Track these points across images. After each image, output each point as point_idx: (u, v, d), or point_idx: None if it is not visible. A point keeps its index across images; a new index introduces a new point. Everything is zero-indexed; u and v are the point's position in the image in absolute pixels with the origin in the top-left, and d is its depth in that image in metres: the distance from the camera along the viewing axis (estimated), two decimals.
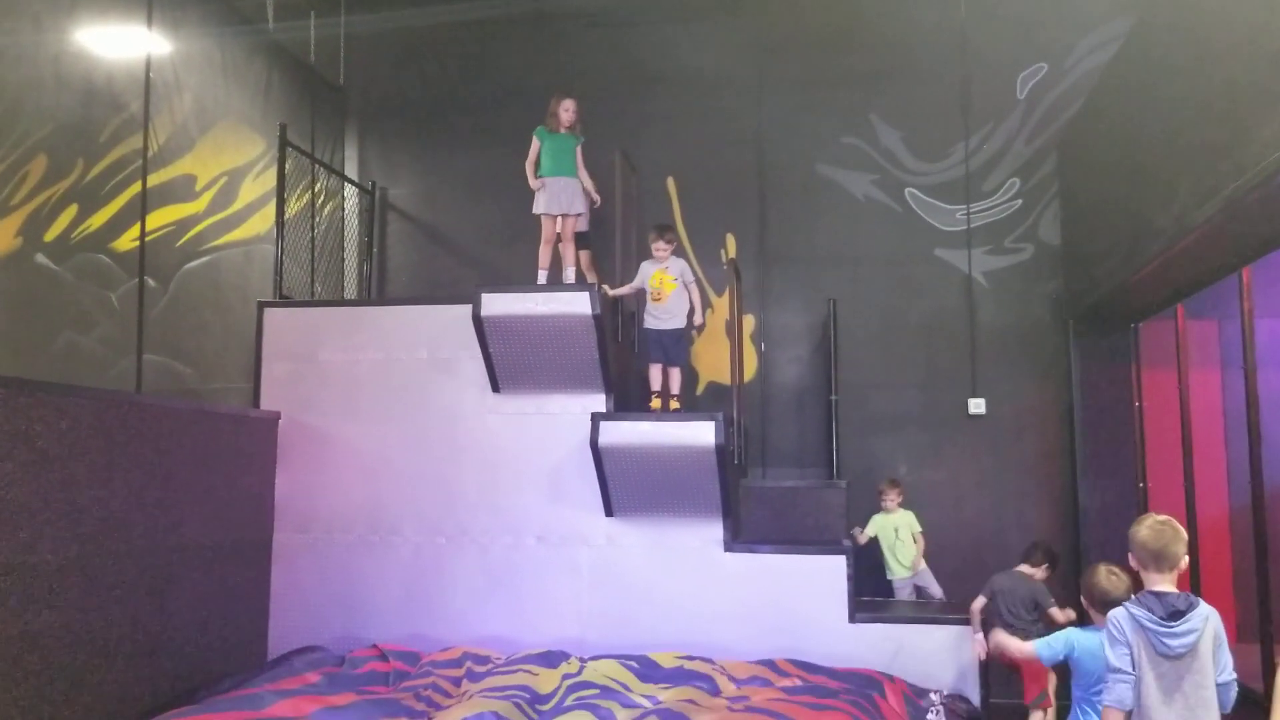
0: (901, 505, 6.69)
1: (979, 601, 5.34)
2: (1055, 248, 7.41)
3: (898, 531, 6.62)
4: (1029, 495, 7.21)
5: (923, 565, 6.64)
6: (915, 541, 6.62)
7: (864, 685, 5.21)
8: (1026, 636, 4.51)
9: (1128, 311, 6.73)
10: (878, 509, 6.73)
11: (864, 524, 6.73)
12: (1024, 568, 5.57)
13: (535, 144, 6.47)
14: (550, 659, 5.52)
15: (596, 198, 6.81)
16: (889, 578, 6.65)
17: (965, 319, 7.45)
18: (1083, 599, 3.88)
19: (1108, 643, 3.21)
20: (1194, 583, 5.63)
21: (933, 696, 5.30)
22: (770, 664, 5.52)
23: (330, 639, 6.07)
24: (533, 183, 6.46)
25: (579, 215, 6.53)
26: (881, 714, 4.89)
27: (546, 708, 4.76)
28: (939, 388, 7.41)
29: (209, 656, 5.52)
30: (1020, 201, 7.50)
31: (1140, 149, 5.57)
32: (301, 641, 6.02)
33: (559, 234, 6.43)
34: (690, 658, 5.54)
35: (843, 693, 5.01)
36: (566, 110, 6.43)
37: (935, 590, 6.59)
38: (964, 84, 7.60)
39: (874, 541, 6.70)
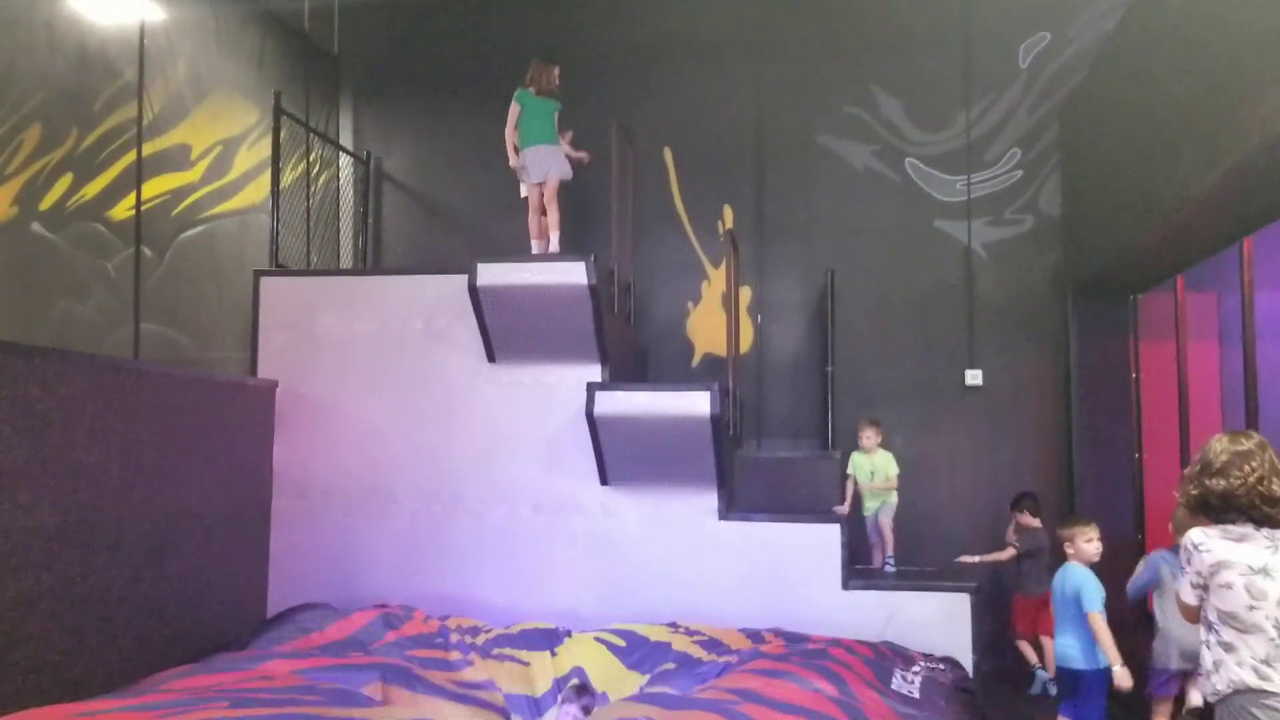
0: (882, 446, 6.60)
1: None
2: (1055, 219, 7.37)
3: (873, 475, 6.55)
4: (1025, 466, 7.21)
5: (892, 500, 6.51)
6: (887, 480, 6.52)
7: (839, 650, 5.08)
8: None
9: (1127, 283, 6.70)
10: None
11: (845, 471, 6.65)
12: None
13: (515, 108, 6.41)
14: (539, 639, 5.47)
15: (584, 155, 6.74)
16: (864, 514, 6.59)
17: (964, 290, 7.43)
18: None
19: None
20: None
21: (910, 674, 4.99)
22: (755, 634, 5.49)
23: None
24: (513, 160, 6.43)
25: (559, 177, 6.43)
26: (845, 682, 4.61)
27: None
28: (936, 359, 7.40)
29: (208, 619, 5.57)
30: (1021, 172, 7.45)
31: (1142, 119, 5.52)
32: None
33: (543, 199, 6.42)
34: (675, 627, 5.52)
35: (796, 656, 4.91)
36: (558, 78, 6.41)
37: (888, 544, 6.48)
38: (966, 53, 7.53)
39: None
